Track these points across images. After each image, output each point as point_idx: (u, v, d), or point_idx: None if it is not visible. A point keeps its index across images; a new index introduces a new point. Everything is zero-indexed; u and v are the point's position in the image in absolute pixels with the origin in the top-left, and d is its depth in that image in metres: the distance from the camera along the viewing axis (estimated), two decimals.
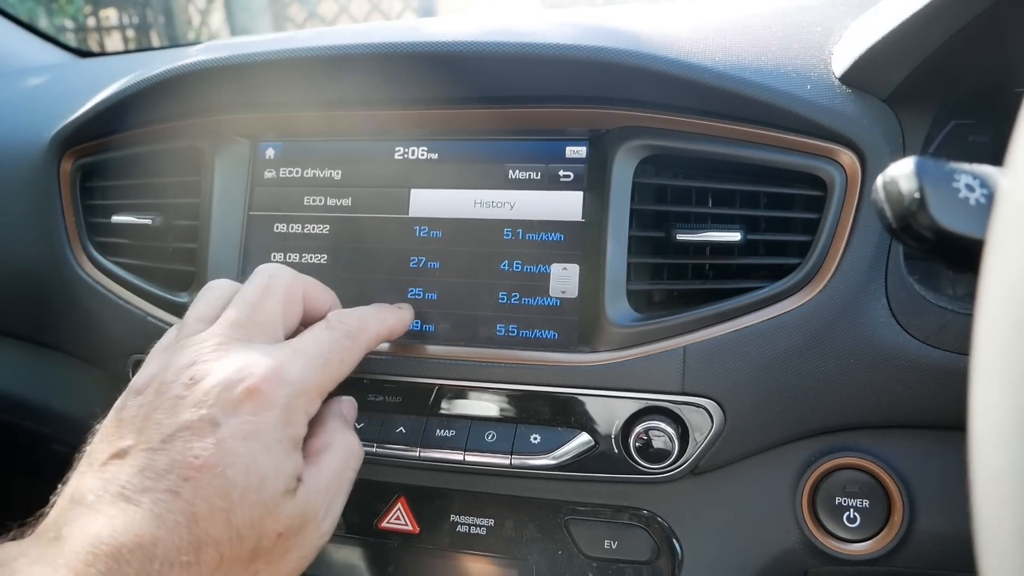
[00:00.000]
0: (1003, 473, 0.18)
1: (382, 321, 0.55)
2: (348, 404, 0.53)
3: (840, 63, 0.56)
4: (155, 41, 4.33)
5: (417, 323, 0.63)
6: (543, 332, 0.60)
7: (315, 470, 0.45)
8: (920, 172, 0.30)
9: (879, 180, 0.31)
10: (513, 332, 0.61)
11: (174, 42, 4.25)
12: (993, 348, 0.20)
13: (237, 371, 0.44)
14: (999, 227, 0.21)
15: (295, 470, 0.44)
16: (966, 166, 0.31)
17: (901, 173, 0.30)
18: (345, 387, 0.62)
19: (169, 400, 0.43)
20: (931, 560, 0.58)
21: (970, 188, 0.30)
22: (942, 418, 0.56)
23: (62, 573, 0.37)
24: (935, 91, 0.56)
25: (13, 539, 0.41)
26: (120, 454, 0.42)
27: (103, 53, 1.38)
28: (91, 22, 4.30)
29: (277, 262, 0.66)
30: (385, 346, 0.63)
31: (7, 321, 0.89)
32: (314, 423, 0.47)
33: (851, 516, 0.59)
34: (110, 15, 4.27)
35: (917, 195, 0.30)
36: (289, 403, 0.44)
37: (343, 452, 0.48)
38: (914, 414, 0.57)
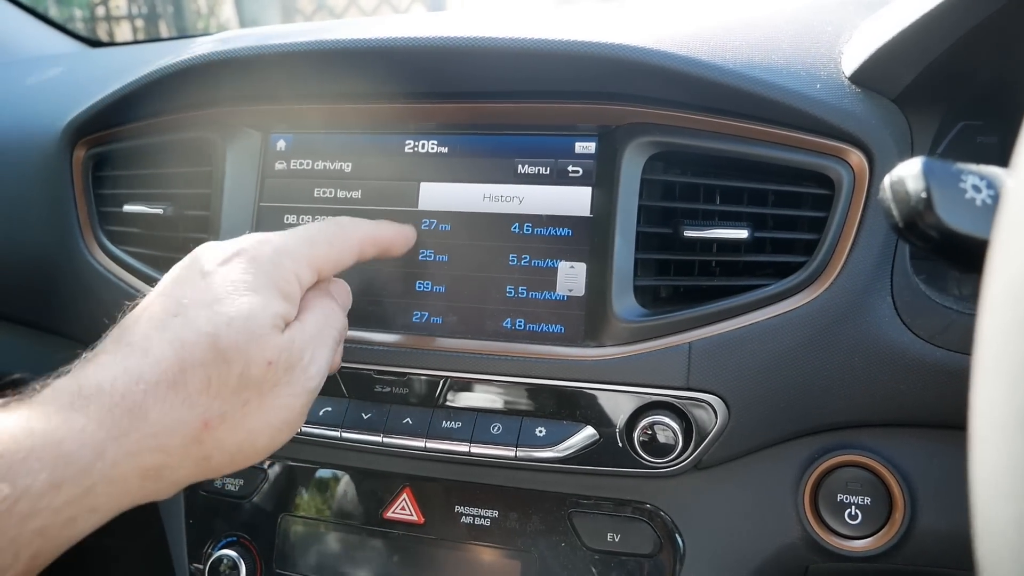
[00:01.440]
0: (1001, 469, 0.19)
1: (378, 226, 0.57)
2: (339, 284, 0.55)
3: (850, 63, 0.57)
4: (164, 31, 4.33)
5: (425, 315, 0.63)
6: (550, 326, 0.61)
7: (299, 323, 0.47)
8: (927, 172, 0.31)
9: (886, 180, 0.31)
10: (520, 326, 0.61)
11: (183, 32, 4.26)
12: (994, 346, 0.20)
13: (228, 243, 0.49)
14: (1003, 226, 0.22)
15: (283, 312, 0.46)
16: (973, 167, 0.31)
17: (908, 173, 0.31)
18: (352, 380, 0.63)
19: (169, 282, 0.47)
20: (932, 558, 0.59)
21: (977, 189, 0.31)
22: (945, 417, 0.57)
23: (36, 405, 0.39)
24: (944, 92, 0.56)
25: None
26: (121, 324, 0.45)
27: (113, 43, 1.39)
28: (100, 11, 4.31)
29: None
30: (393, 338, 0.63)
31: (18, 308, 0.90)
32: (303, 299, 0.50)
33: (853, 513, 0.59)
34: (120, 4, 4.28)
35: (924, 195, 0.30)
36: (275, 259, 0.47)
37: (323, 312, 0.50)
38: (917, 413, 0.58)
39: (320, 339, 0.48)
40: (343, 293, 0.55)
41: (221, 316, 0.43)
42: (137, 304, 0.47)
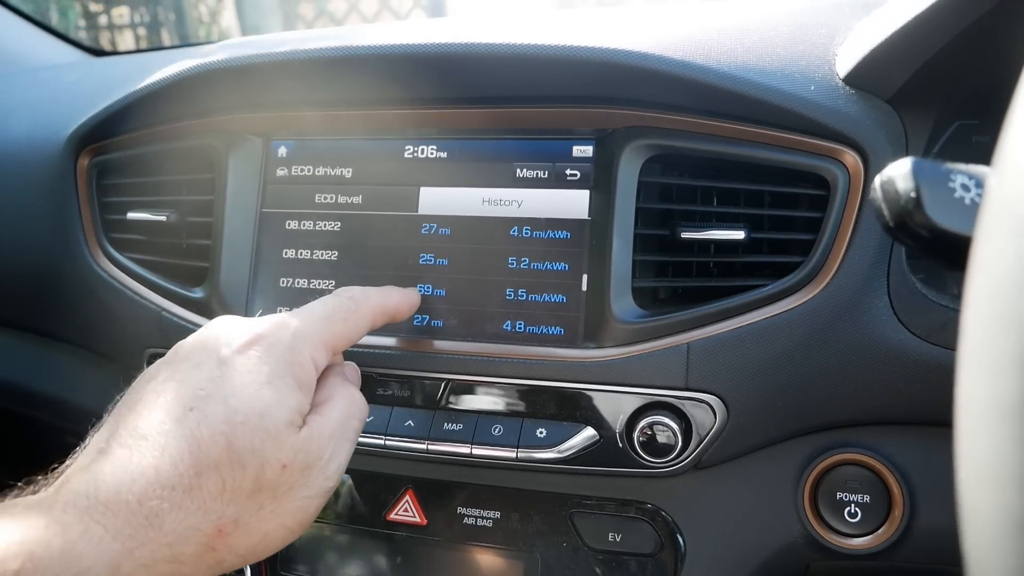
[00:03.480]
0: (984, 459, 0.19)
1: (386, 295, 0.57)
2: (351, 367, 0.55)
3: (844, 64, 0.57)
4: (166, 39, 4.35)
5: (425, 318, 0.64)
6: (549, 328, 0.61)
7: (319, 416, 0.46)
8: (916, 172, 0.31)
9: (877, 180, 0.32)
10: (520, 328, 0.62)
11: (185, 40, 4.28)
12: (976, 339, 0.21)
13: (246, 325, 0.47)
14: (984, 221, 0.22)
15: (299, 406, 0.45)
16: (962, 166, 0.32)
17: (898, 173, 0.31)
18: None
19: (186, 364, 0.45)
20: (931, 555, 0.59)
21: (966, 188, 0.31)
22: (943, 415, 0.57)
23: (56, 513, 0.38)
24: (938, 92, 0.57)
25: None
26: (133, 405, 0.44)
27: (116, 52, 1.40)
28: (103, 20, 4.33)
29: (288, 258, 0.68)
30: (394, 341, 0.64)
31: (22, 315, 0.91)
32: (318, 382, 0.49)
33: (852, 511, 0.60)
34: (122, 13, 4.30)
35: (913, 195, 0.31)
36: (293, 345, 0.46)
37: (346, 402, 0.49)
38: (915, 411, 0.58)
39: (342, 433, 0.47)
40: (357, 376, 0.55)
41: (236, 413, 0.42)
42: (146, 376, 0.46)
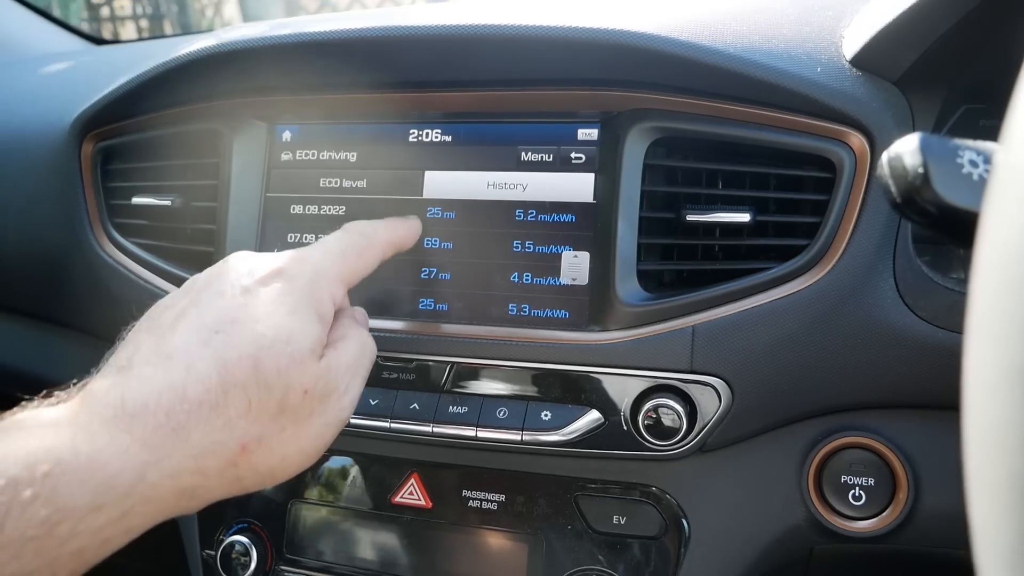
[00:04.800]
0: (992, 426, 0.19)
1: (393, 227, 0.58)
2: (360, 311, 0.56)
3: (851, 46, 0.57)
4: (168, 31, 4.35)
5: (431, 301, 0.64)
6: (554, 311, 0.61)
7: (334, 351, 0.48)
8: (924, 148, 0.31)
9: (884, 156, 0.32)
10: (525, 311, 0.62)
11: (187, 30, 4.27)
12: (983, 307, 0.21)
13: (265, 258, 0.49)
14: (992, 194, 0.22)
15: (320, 337, 0.46)
16: (970, 142, 0.31)
17: (906, 149, 0.31)
18: None
19: (207, 292, 0.46)
20: (935, 538, 0.59)
21: (973, 164, 0.31)
22: (948, 398, 0.57)
23: (82, 420, 0.38)
24: (945, 74, 0.56)
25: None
26: (153, 329, 0.44)
27: (118, 41, 1.40)
28: (105, 11, 4.33)
29: (292, 243, 0.68)
30: (400, 325, 0.64)
31: (27, 301, 0.91)
32: (334, 323, 0.50)
33: (856, 494, 0.60)
34: (124, 4, 4.29)
35: (921, 170, 0.30)
36: (313, 279, 0.48)
37: (359, 343, 0.50)
38: (920, 394, 0.58)
39: (355, 369, 0.49)
40: (366, 320, 0.57)
41: (263, 338, 0.43)
42: (164, 304, 0.47)
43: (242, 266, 0.48)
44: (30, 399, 0.42)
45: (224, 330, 0.43)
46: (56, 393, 0.43)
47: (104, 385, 0.41)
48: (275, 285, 0.46)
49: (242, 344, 0.43)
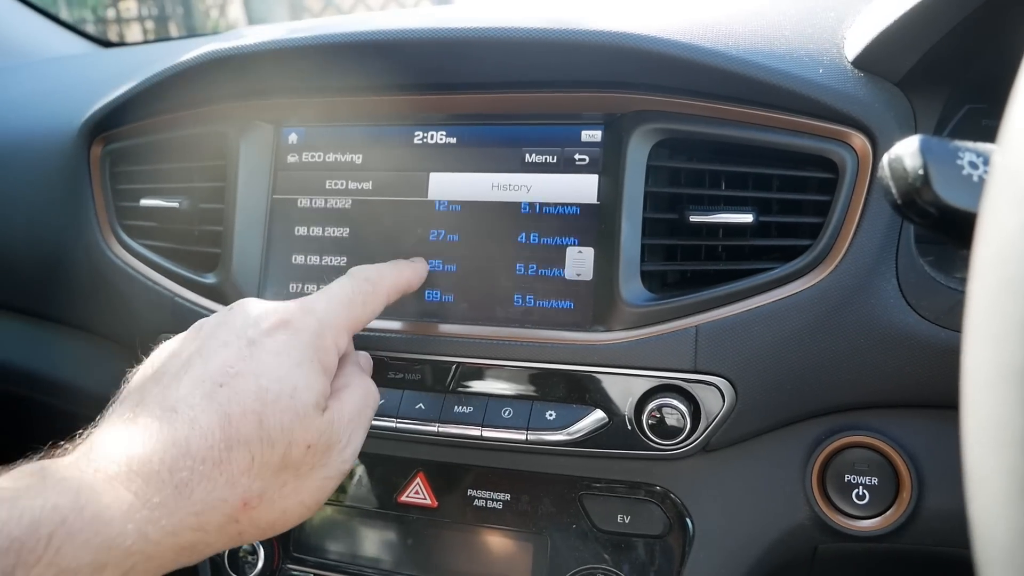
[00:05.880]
0: (990, 423, 0.20)
1: (399, 271, 0.59)
2: (364, 356, 0.57)
3: (853, 47, 0.57)
4: (173, 32, 4.37)
5: (437, 294, 0.64)
6: (560, 302, 0.61)
7: (338, 402, 0.48)
8: (924, 150, 0.31)
9: (885, 158, 0.32)
10: (530, 302, 0.62)
11: (192, 33, 4.29)
12: (981, 307, 0.21)
13: (271, 308, 0.49)
14: (990, 195, 0.22)
15: (324, 390, 0.47)
16: (970, 144, 0.32)
17: (906, 151, 0.31)
18: None
19: (213, 341, 0.46)
20: (938, 537, 0.59)
21: (973, 165, 0.31)
22: (951, 398, 0.57)
23: (87, 478, 0.39)
24: (947, 74, 0.57)
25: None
26: (158, 377, 0.45)
27: (125, 43, 1.41)
28: (111, 14, 4.34)
29: (299, 237, 0.68)
30: (405, 325, 0.64)
31: (36, 303, 0.92)
32: (337, 370, 0.50)
33: (860, 493, 0.60)
34: (130, 6, 4.31)
35: (921, 172, 0.31)
36: (319, 331, 0.48)
37: (362, 392, 0.51)
38: (923, 393, 0.58)
39: (358, 420, 0.49)
40: (370, 366, 0.57)
41: (267, 392, 0.43)
42: (170, 350, 0.47)
43: (248, 315, 0.48)
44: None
45: (228, 383, 0.43)
46: (63, 445, 0.43)
47: (109, 438, 0.41)
48: (280, 337, 0.46)
49: (246, 398, 0.43)
